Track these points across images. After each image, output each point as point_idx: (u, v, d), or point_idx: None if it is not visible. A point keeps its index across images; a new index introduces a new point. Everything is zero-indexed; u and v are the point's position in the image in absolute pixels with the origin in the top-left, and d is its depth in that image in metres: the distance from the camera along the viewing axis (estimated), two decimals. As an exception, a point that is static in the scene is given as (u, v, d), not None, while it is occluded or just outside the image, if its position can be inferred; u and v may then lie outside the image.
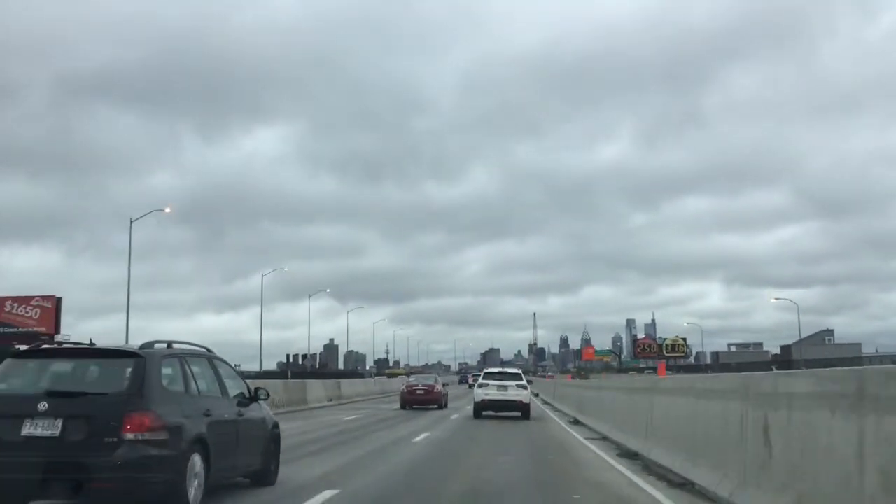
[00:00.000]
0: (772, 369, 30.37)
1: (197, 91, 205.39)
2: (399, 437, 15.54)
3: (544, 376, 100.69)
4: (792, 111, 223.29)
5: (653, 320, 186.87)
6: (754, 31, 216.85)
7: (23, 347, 8.68)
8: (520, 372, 25.45)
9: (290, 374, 64.79)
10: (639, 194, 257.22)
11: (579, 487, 8.71)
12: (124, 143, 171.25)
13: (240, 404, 7.97)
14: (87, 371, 6.61)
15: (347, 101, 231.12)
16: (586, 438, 15.06)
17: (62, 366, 6.67)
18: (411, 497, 7.99)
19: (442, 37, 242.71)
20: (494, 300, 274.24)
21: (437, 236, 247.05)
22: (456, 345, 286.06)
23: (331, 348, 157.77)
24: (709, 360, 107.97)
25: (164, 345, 7.13)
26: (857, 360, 68.66)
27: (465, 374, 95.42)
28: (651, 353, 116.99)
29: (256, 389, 8.53)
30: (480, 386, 23.68)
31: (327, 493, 7.73)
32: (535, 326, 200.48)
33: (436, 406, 31.32)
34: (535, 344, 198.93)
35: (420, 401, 31.40)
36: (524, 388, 23.11)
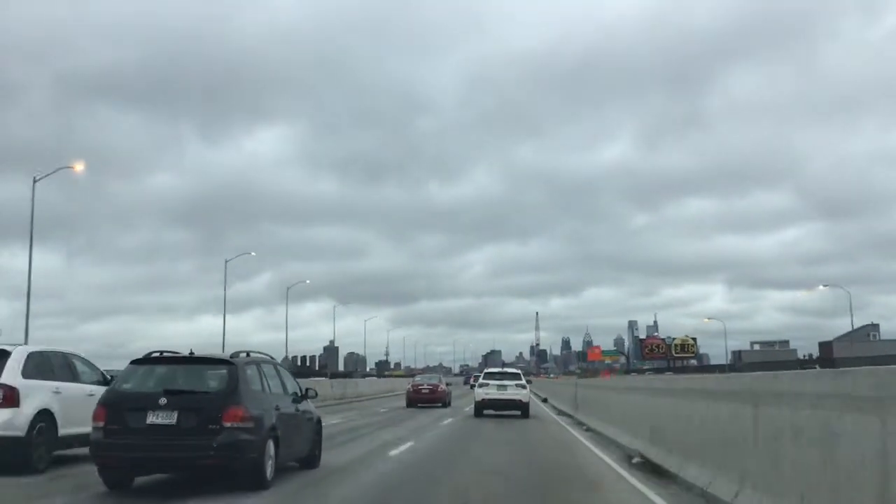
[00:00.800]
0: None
1: (198, 92, 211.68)
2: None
3: (549, 376, 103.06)
4: (794, 112, 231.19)
5: (655, 322, 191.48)
6: (756, 33, 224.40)
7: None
8: (519, 372, 27.84)
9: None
10: (641, 195, 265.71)
11: None
12: (126, 143, 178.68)
13: (294, 401, 10.47)
14: (192, 374, 9.10)
15: (349, 102, 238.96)
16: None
17: (172, 370, 9.16)
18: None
19: (443, 37, 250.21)
20: (496, 301, 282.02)
21: (439, 237, 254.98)
22: (457, 347, 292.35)
23: (331, 350, 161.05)
24: (727, 360, 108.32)
25: (245, 354, 9.62)
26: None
27: (469, 376, 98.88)
28: (659, 354, 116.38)
29: (306, 389, 11.07)
30: (481, 385, 25.90)
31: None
32: (537, 327, 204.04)
33: (440, 404, 34.10)
34: (538, 344, 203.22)
35: (425, 399, 34.30)
36: (523, 387, 25.31)
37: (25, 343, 15.23)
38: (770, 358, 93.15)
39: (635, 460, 11.31)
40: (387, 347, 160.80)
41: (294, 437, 10.07)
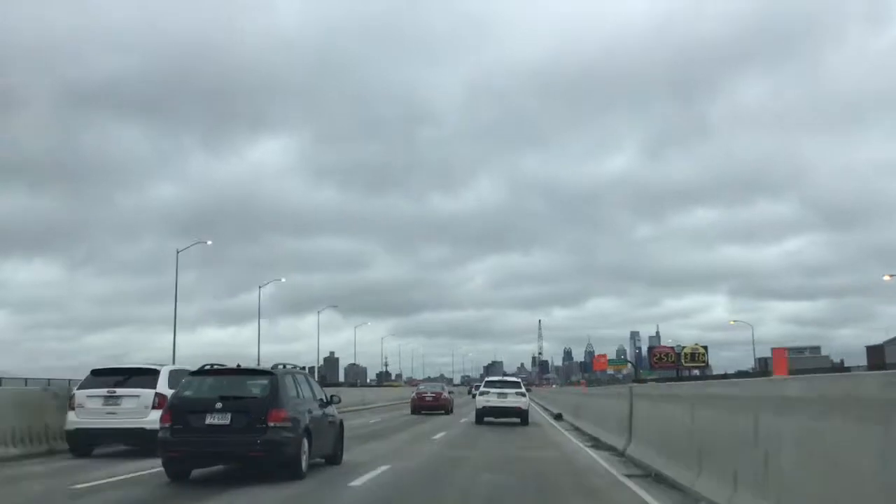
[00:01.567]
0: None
1: (201, 101, 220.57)
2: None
3: (553, 386, 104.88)
4: (798, 122, 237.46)
5: (657, 332, 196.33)
6: (760, 42, 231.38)
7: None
8: (519, 381, 30.34)
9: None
10: (644, 206, 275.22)
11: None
12: (128, 153, 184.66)
13: (321, 406, 12.82)
14: (240, 383, 11.45)
15: (352, 112, 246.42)
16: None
17: (223, 380, 11.50)
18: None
19: (447, 47, 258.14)
20: (498, 312, 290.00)
21: (442, 248, 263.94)
22: (458, 357, 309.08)
23: (331, 361, 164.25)
24: (754, 366, 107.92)
25: (282, 366, 11.99)
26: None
27: (472, 386, 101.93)
28: (669, 363, 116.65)
29: (331, 396, 13.42)
30: (482, 394, 28.30)
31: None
32: (540, 336, 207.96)
33: (443, 411, 37.24)
34: (541, 354, 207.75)
35: (429, 406, 37.50)
36: (523, 395, 27.63)
37: (173, 363, 19.33)
38: (802, 365, 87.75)
39: None
40: (385, 358, 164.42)
41: (322, 437, 12.40)
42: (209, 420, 10.85)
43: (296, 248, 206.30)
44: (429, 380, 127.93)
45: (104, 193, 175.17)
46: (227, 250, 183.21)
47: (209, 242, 50.83)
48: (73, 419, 14.58)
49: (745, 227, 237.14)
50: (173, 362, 21.89)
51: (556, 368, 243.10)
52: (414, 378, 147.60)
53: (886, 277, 64.44)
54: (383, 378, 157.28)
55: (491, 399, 27.48)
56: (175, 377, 14.24)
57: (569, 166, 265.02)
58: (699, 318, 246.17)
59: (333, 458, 13.19)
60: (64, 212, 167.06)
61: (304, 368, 14.84)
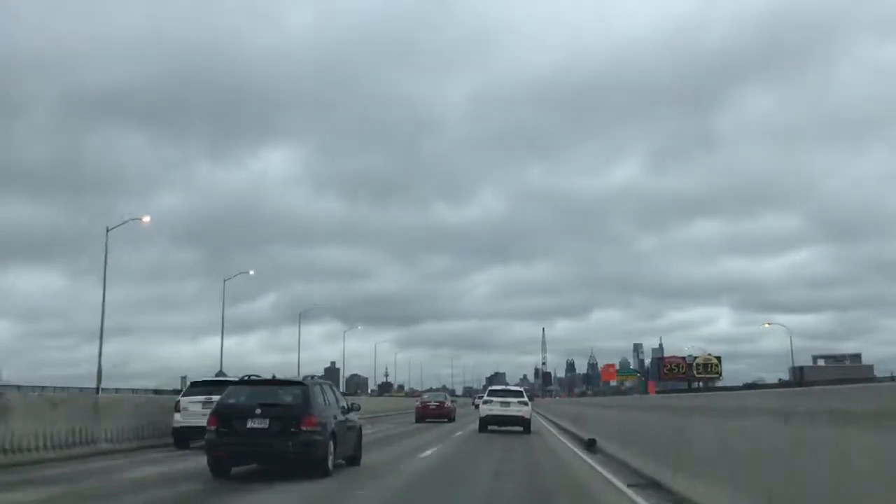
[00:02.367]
0: None
1: (206, 111, 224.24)
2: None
3: (556, 397, 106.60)
4: (804, 134, 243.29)
5: (660, 345, 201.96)
6: (767, 54, 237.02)
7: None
8: (521, 390, 32.88)
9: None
10: (649, 217, 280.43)
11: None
12: (133, 162, 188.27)
13: (344, 413, 15.09)
14: (276, 392, 13.74)
15: (357, 122, 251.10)
16: None
17: (261, 389, 13.79)
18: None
19: (453, 58, 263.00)
20: (500, 324, 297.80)
21: (445, 259, 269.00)
22: (461, 368, 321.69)
23: (332, 371, 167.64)
24: (791, 376, 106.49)
25: (311, 377, 14.29)
26: None
27: (475, 396, 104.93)
28: (680, 374, 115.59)
29: (352, 404, 15.71)
30: (485, 402, 30.58)
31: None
32: (544, 344, 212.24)
33: (446, 420, 40.33)
34: (545, 364, 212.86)
35: (432, 415, 40.65)
36: (525, 404, 29.86)
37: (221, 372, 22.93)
38: (845, 375, 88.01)
39: None
40: (386, 368, 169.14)
41: (345, 440, 14.68)
42: (250, 424, 13.11)
43: (299, 257, 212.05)
44: (430, 390, 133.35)
45: (108, 202, 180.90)
46: (231, 259, 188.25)
47: (146, 218, 47.70)
48: (178, 419, 19.61)
49: (750, 240, 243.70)
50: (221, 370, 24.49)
51: (559, 380, 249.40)
52: (416, 389, 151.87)
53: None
54: (384, 389, 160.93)
55: (494, 408, 29.65)
56: None
57: (573, 177, 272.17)
58: (702, 330, 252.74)
59: (353, 460, 15.46)
60: (67, 221, 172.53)
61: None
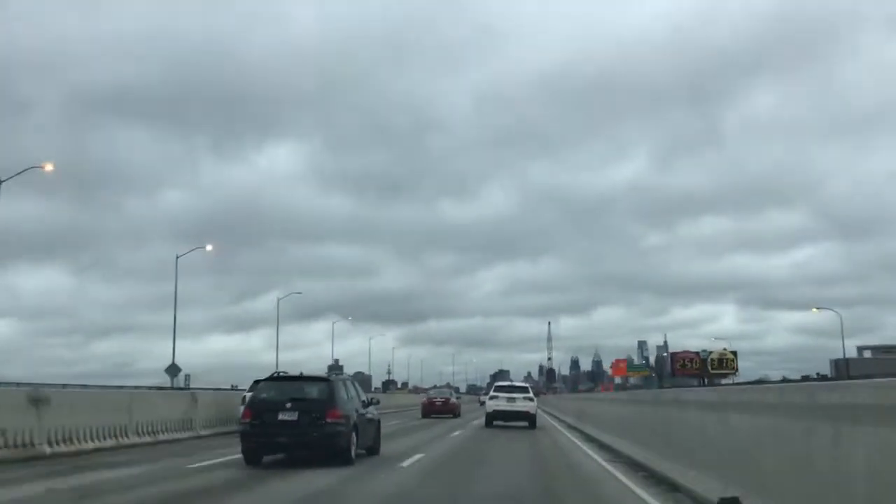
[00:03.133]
0: None
1: (210, 108, 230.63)
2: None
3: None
4: (811, 131, 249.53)
5: (665, 342, 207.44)
6: (774, 50, 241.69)
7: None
8: (527, 386, 35.41)
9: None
10: (654, 214, 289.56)
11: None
12: (137, 159, 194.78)
13: (364, 406, 17.32)
14: (304, 387, 15.97)
15: (362, 119, 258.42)
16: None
17: (291, 385, 16.02)
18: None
19: (458, 55, 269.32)
20: (505, 321, 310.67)
21: (449, 256, 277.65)
22: (465, 366, 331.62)
23: (335, 369, 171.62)
24: (831, 371, 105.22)
25: (334, 374, 16.50)
26: None
27: (481, 394, 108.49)
28: (693, 370, 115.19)
29: (371, 398, 17.95)
30: (492, 398, 33.12)
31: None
32: (549, 338, 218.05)
33: (451, 415, 43.56)
34: (550, 359, 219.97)
35: (438, 410, 43.83)
36: (531, 400, 32.29)
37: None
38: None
39: None
40: (388, 366, 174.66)
41: (365, 432, 16.91)
42: (281, 417, 15.33)
43: (304, 255, 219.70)
44: (435, 387, 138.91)
45: (113, 200, 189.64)
46: (236, 257, 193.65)
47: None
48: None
49: (755, 237, 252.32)
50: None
51: (563, 377, 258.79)
52: (419, 386, 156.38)
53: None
54: (389, 386, 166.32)
55: (500, 403, 32.14)
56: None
57: (579, 175, 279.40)
58: (707, 327, 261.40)
59: (373, 450, 17.70)
60: (72, 218, 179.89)
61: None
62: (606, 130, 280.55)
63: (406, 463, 16.21)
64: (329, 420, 15.32)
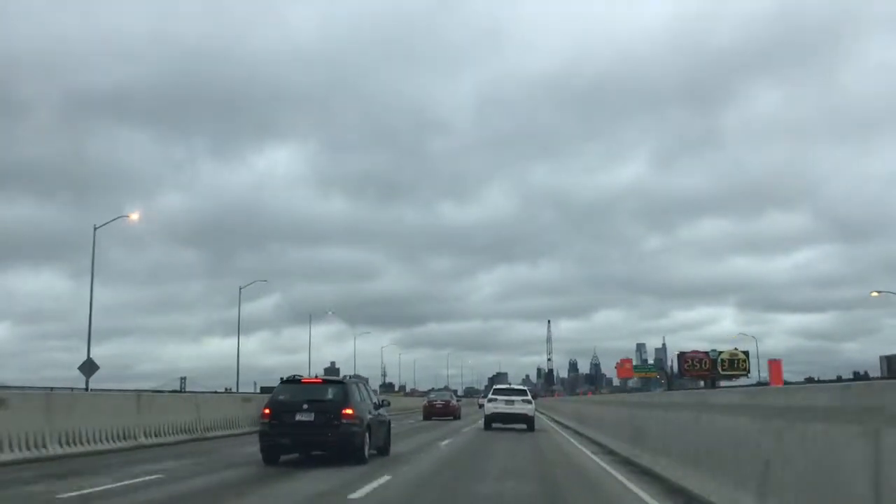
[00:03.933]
0: None
1: (211, 111, 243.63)
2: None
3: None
4: (812, 132, 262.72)
5: (664, 344, 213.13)
6: (775, 52, 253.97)
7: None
8: (525, 389, 37.40)
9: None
10: (654, 216, 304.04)
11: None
12: (136, 162, 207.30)
13: (376, 408, 19.14)
14: (320, 389, 17.79)
15: (362, 122, 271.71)
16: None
17: (307, 387, 17.84)
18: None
19: (459, 58, 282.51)
20: (504, 324, 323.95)
21: (449, 259, 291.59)
22: (463, 369, 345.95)
23: (332, 372, 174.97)
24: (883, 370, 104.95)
25: (349, 377, 18.30)
26: None
27: (480, 397, 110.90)
28: (702, 371, 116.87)
29: (382, 400, 19.79)
30: (490, 400, 35.18)
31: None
32: (549, 338, 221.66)
33: (451, 417, 46.68)
34: (550, 360, 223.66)
35: (439, 413, 46.97)
36: (529, 402, 34.27)
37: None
38: None
39: None
40: (384, 368, 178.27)
41: (377, 432, 18.74)
42: (298, 417, 17.14)
43: (303, 257, 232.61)
44: (433, 390, 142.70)
45: (111, 202, 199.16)
46: (234, 259, 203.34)
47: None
48: None
49: (756, 239, 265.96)
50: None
51: (562, 380, 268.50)
52: (417, 389, 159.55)
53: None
54: (388, 390, 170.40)
55: (499, 406, 34.17)
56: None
57: (579, 177, 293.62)
58: (706, 330, 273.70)
59: (383, 450, 19.56)
60: (70, 220, 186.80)
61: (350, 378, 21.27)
62: (607, 132, 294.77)
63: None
64: (344, 421, 17.10)
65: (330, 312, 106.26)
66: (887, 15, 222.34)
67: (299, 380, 18.26)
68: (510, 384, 48.87)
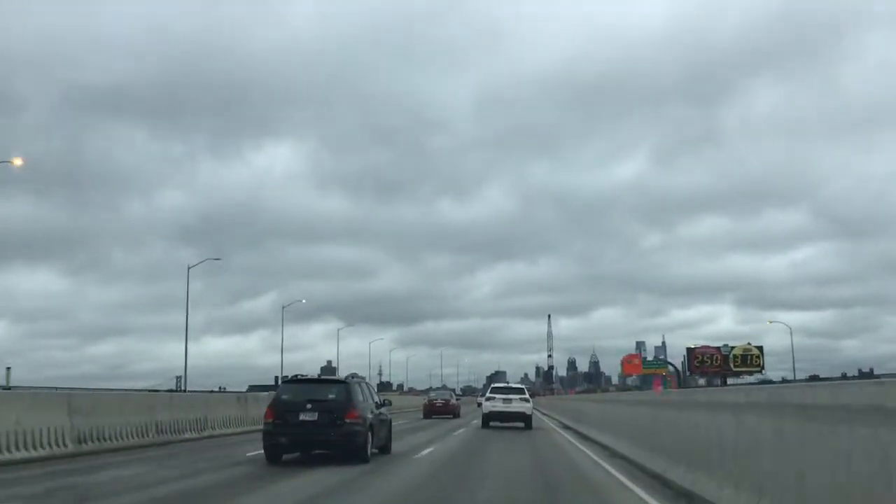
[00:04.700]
0: None
1: (207, 108, 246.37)
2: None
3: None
4: (813, 130, 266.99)
5: (663, 343, 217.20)
6: (776, 49, 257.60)
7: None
8: (523, 387, 39.07)
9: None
10: (654, 214, 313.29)
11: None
12: (134, 159, 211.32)
13: (378, 407, 20.27)
14: (323, 389, 18.92)
15: (361, 119, 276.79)
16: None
17: (310, 386, 18.94)
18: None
19: (458, 55, 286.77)
20: (502, 322, 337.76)
21: (448, 257, 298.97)
22: (461, 367, 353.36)
23: (329, 371, 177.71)
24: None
25: (352, 376, 19.41)
26: None
27: (478, 395, 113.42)
28: (713, 368, 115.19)
29: (384, 399, 20.89)
30: (488, 399, 36.93)
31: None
32: (549, 334, 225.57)
33: (451, 416, 49.46)
34: (551, 356, 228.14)
35: (439, 411, 49.77)
36: (527, 401, 35.90)
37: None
38: None
39: None
40: (380, 367, 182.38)
41: (379, 431, 19.88)
42: (302, 417, 18.24)
43: (302, 255, 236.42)
44: (430, 389, 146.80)
45: (109, 200, 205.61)
46: (233, 258, 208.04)
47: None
48: None
49: (755, 237, 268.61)
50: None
51: (561, 378, 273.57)
52: (414, 388, 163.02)
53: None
54: (383, 388, 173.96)
55: (497, 404, 35.80)
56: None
57: (578, 175, 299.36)
58: (704, 328, 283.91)
59: (385, 449, 20.75)
60: (68, 218, 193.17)
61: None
62: (606, 130, 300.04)
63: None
64: (347, 420, 18.19)
65: (303, 301, 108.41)
66: (888, 13, 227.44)
67: (302, 379, 19.32)
68: (508, 383, 50.91)
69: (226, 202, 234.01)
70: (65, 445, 19.45)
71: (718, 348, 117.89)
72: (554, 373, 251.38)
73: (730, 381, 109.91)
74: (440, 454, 21.22)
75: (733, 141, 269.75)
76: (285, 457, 18.68)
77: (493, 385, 41.71)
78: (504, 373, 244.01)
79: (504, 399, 35.79)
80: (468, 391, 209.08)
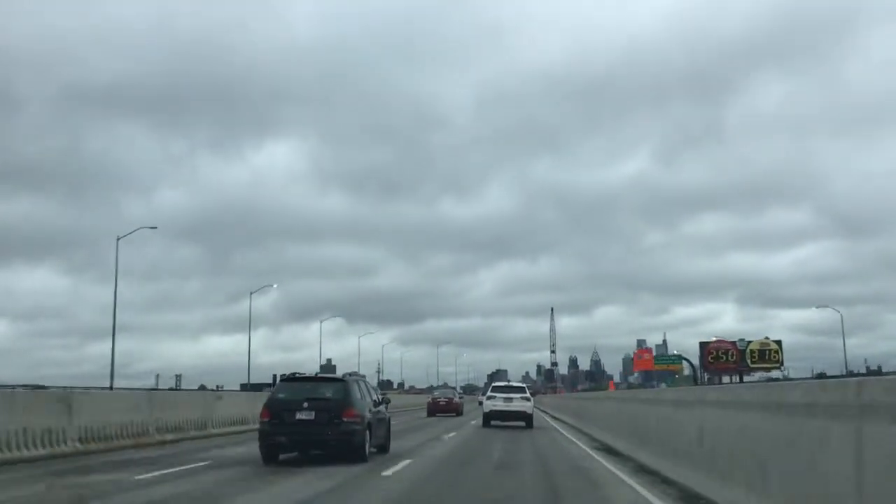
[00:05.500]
0: None
1: (209, 106, 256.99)
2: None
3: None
4: (816, 128, 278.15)
5: (664, 341, 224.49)
6: (779, 46, 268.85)
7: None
8: (524, 386, 40.23)
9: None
10: (656, 212, 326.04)
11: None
12: (134, 157, 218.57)
13: (376, 405, 21.16)
14: (320, 387, 19.79)
15: (362, 117, 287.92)
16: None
17: (307, 385, 19.85)
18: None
19: (460, 52, 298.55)
20: (504, 321, 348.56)
21: (450, 255, 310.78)
22: (462, 366, 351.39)
23: (328, 369, 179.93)
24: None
25: (350, 374, 20.40)
26: None
27: (480, 394, 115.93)
28: (729, 364, 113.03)
29: (383, 397, 21.84)
30: (489, 398, 38.12)
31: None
32: (552, 330, 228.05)
33: (454, 414, 52.41)
34: (554, 352, 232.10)
35: (442, 409, 52.87)
36: (528, 400, 37.00)
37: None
38: None
39: None
40: (378, 365, 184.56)
41: (378, 430, 20.71)
42: (298, 416, 19.06)
43: (302, 254, 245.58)
44: (433, 387, 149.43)
45: (109, 198, 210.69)
46: (233, 256, 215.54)
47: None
48: None
49: (757, 234, 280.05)
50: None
51: (562, 377, 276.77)
52: (415, 386, 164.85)
53: None
54: (384, 387, 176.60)
55: (498, 403, 36.99)
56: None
57: (581, 172, 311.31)
58: (706, 326, 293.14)
59: (383, 448, 21.49)
60: (67, 216, 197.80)
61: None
62: (608, 128, 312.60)
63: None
64: (345, 419, 18.94)
65: (274, 286, 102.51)
66: (893, 10, 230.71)
67: (299, 378, 20.29)
68: (509, 381, 52.49)
69: (227, 200, 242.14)
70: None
71: (734, 343, 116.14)
72: (556, 371, 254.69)
73: (746, 378, 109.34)
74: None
75: (736, 138, 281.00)
76: (282, 456, 19.45)
77: (493, 384, 43.02)
78: (505, 371, 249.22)
79: (505, 398, 36.95)
80: (469, 390, 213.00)
